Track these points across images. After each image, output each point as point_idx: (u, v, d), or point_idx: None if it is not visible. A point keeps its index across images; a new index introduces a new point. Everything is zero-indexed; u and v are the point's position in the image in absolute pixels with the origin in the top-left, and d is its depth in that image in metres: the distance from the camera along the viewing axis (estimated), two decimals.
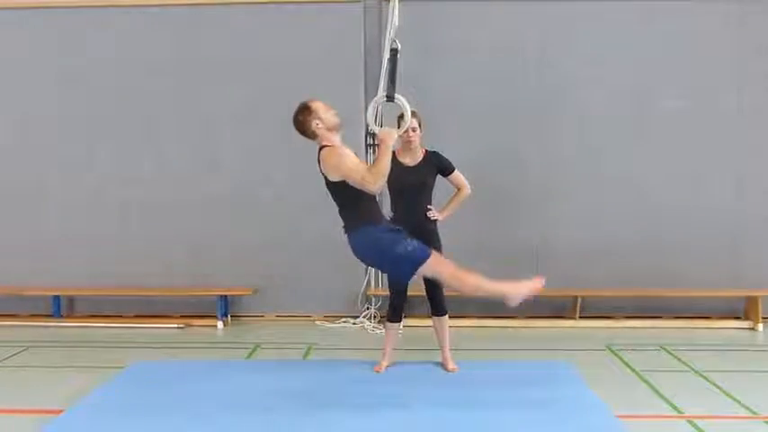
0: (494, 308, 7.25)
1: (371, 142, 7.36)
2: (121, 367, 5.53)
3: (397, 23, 4.47)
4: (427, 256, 4.26)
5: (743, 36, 7.25)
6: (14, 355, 6.17)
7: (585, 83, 7.33)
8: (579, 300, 7.26)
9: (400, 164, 5.27)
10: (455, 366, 5.37)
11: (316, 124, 4.40)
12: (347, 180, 4.31)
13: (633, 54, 7.31)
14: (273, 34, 7.36)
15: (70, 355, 6.25)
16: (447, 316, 5.41)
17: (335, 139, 4.45)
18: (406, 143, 5.28)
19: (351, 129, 7.35)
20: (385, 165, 4.24)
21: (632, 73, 7.32)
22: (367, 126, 7.33)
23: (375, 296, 7.39)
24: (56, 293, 7.44)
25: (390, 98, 4.41)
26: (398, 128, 5.30)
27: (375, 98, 4.52)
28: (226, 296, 7.35)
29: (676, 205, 7.33)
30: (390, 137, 4.34)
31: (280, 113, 7.43)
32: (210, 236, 7.48)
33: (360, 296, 7.41)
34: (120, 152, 7.51)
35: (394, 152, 5.33)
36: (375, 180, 4.21)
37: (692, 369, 5.67)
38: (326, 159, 4.38)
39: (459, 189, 5.46)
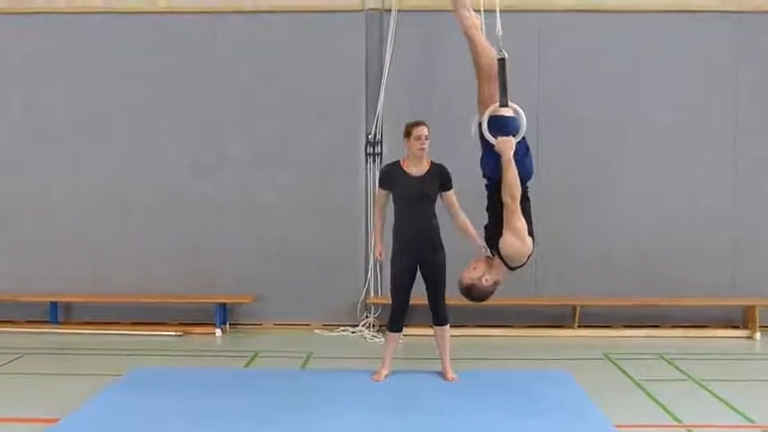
0: (493, 317, 7.28)
1: (371, 151, 7.38)
2: (119, 375, 5.51)
3: (500, 33, 4.41)
4: None
5: (738, 47, 7.30)
6: (10, 361, 6.14)
7: (585, 92, 7.36)
8: (578, 309, 7.26)
9: (406, 173, 5.27)
10: (454, 376, 5.37)
11: (486, 280, 4.40)
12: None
13: (632, 65, 7.34)
14: (275, 42, 7.38)
15: (67, 362, 6.23)
16: (448, 326, 5.40)
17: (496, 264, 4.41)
18: (418, 151, 5.25)
19: (352, 137, 7.42)
20: (513, 178, 4.23)
21: (631, 82, 7.35)
22: (367, 135, 7.38)
23: (374, 305, 7.38)
24: (53, 300, 7.41)
25: (505, 105, 4.38)
26: (407, 137, 5.29)
27: (489, 109, 4.38)
28: (225, 304, 7.34)
29: (674, 215, 7.36)
30: (510, 146, 4.27)
31: (281, 120, 7.51)
32: (210, 243, 7.47)
33: (359, 305, 7.41)
34: (120, 158, 7.50)
35: (399, 162, 5.33)
36: (511, 195, 4.26)
37: (691, 378, 5.68)
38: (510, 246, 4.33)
39: (454, 210, 5.34)
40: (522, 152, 4.39)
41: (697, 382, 5.56)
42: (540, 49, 7.37)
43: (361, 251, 7.44)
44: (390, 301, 5.42)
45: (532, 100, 7.34)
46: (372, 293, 7.39)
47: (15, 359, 6.22)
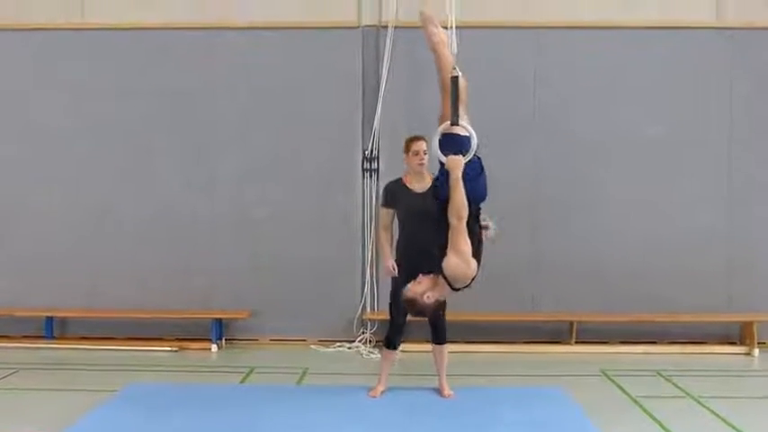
0: (490, 333, 7.26)
1: (368, 167, 7.39)
2: (114, 390, 5.47)
3: (456, 49, 4.43)
4: None
5: (732, 63, 7.34)
6: (5, 377, 6.10)
7: (579, 109, 7.39)
8: (575, 325, 7.25)
9: (409, 190, 5.25)
10: (451, 393, 5.34)
11: (428, 297, 4.38)
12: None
13: (626, 80, 7.38)
14: (271, 58, 7.40)
15: (62, 377, 6.19)
16: (447, 345, 5.37)
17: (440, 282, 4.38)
18: (417, 167, 5.24)
19: (348, 153, 7.43)
20: (460, 197, 4.21)
21: (625, 99, 7.39)
22: (364, 151, 7.40)
23: (371, 320, 7.36)
24: (48, 315, 7.38)
25: (455, 123, 4.38)
26: (406, 153, 5.30)
27: (440, 128, 4.44)
28: (221, 319, 7.31)
29: (669, 230, 7.36)
30: (458, 165, 4.26)
31: (276, 136, 7.53)
32: (205, 258, 7.45)
33: (355, 320, 7.38)
34: (116, 173, 7.50)
35: (401, 179, 5.32)
36: (457, 216, 4.22)
37: (688, 395, 5.66)
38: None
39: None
40: (476, 172, 4.37)
41: (695, 399, 5.54)
42: (536, 66, 7.41)
43: (357, 267, 7.42)
44: (389, 318, 5.38)
45: (528, 115, 7.39)
46: (369, 309, 7.37)
47: (10, 374, 6.18)
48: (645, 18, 7.35)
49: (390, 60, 7.29)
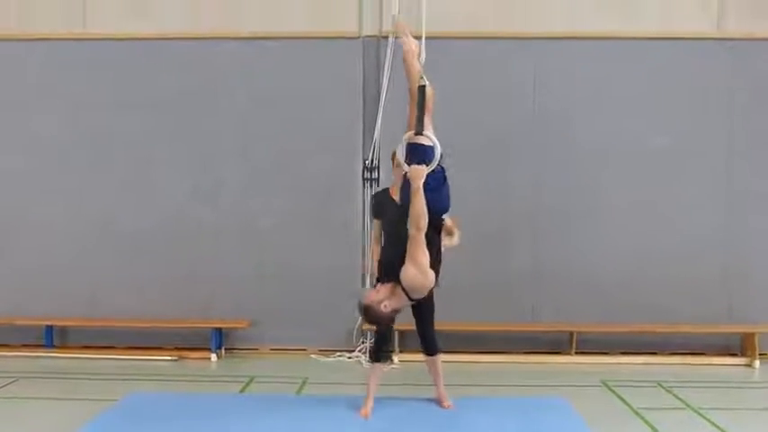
0: (490, 343, 7.25)
1: (368, 176, 7.40)
2: (114, 400, 5.45)
3: (424, 59, 4.46)
4: None
5: (732, 74, 7.37)
6: (5, 386, 6.10)
7: (580, 119, 7.41)
8: (575, 335, 7.24)
9: (393, 201, 5.19)
10: (450, 403, 5.30)
11: (385, 306, 4.35)
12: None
13: (626, 91, 7.40)
14: (272, 68, 7.43)
15: (63, 386, 6.19)
16: (439, 355, 5.30)
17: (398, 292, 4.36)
18: (400, 179, 5.12)
19: (349, 163, 7.45)
20: (420, 207, 4.18)
21: (625, 110, 7.41)
22: (364, 161, 7.41)
23: (371, 331, 7.34)
24: (48, 323, 7.38)
25: (419, 133, 4.38)
26: (394, 165, 5.31)
27: (404, 136, 4.46)
28: (221, 328, 7.31)
29: (668, 241, 7.37)
30: (420, 175, 4.24)
31: (279, 146, 7.55)
32: (205, 268, 7.45)
33: (355, 330, 7.38)
34: (118, 183, 7.52)
35: (388, 189, 5.33)
36: (416, 225, 4.20)
37: (689, 406, 5.65)
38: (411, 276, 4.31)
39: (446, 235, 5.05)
40: (438, 183, 4.34)
41: (695, 411, 5.53)
42: (536, 76, 7.43)
43: (357, 277, 7.42)
44: (374, 331, 5.28)
45: (527, 126, 7.41)
46: None
47: (10, 383, 6.18)
48: (645, 29, 7.38)
49: (391, 71, 7.28)
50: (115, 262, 7.47)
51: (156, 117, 7.48)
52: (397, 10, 7.16)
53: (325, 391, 6.03)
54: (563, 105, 7.40)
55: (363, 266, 7.41)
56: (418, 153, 4.32)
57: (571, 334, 7.25)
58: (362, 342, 7.36)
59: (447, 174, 4.46)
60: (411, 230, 4.20)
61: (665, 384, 6.30)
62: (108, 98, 7.49)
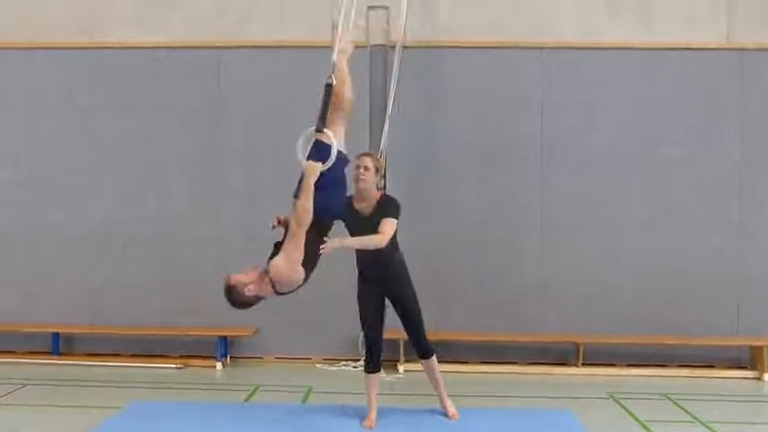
0: (496, 354, 7.21)
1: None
2: (118, 407, 5.46)
3: (335, 59, 4.47)
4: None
5: (741, 83, 7.33)
6: (11, 392, 6.11)
7: (589, 129, 7.38)
8: (582, 346, 7.19)
9: (356, 211, 4.96)
10: (455, 412, 5.26)
11: (249, 290, 4.26)
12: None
13: (636, 101, 7.38)
14: (278, 77, 7.44)
15: (68, 393, 6.19)
16: (435, 358, 5.16)
17: (257, 274, 4.28)
18: (354, 181, 4.91)
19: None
20: (303, 200, 4.11)
21: (635, 119, 7.38)
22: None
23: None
24: (54, 331, 7.39)
25: (319, 130, 4.32)
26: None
27: (305, 131, 4.39)
28: (226, 337, 7.30)
29: (677, 251, 7.31)
30: (313, 171, 4.17)
31: (284, 154, 7.51)
32: (211, 276, 7.42)
33: (360, 339, 7.33)
34: (122, 190, 7.54)
35: (351, 197, 5.00)
36: (298, 221, 4.12)
37: (697, 420, 5.58)
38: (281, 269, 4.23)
39: (376, 232, 4.82)
40: (333, 184, 4.27)
41: (703, 424, 5.47)
42: (544, 85, 7.42)
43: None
44: (364, 339, 5.19)
45: (536, 135, 7.38)
46: None
47: (16, 389, 6.19)
48: (656, 39, 7.35)
49: (398, 80, 7.30)
50: (121, 270, 7.48)
51: (160, 125, 7.50)
52: (403, 18, 7.25)
53: (329, 400, 6.00)
54: (573, 115, 7.38)
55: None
56: (316, 151, 4.27)
57: (578, 345, 7.20)
58: None
59: (347, 179, 4.39)
60: (292, 225, 4.15)
61: (672, 397, 6.24)
62: (113, 106, 7.51)
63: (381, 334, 5.12)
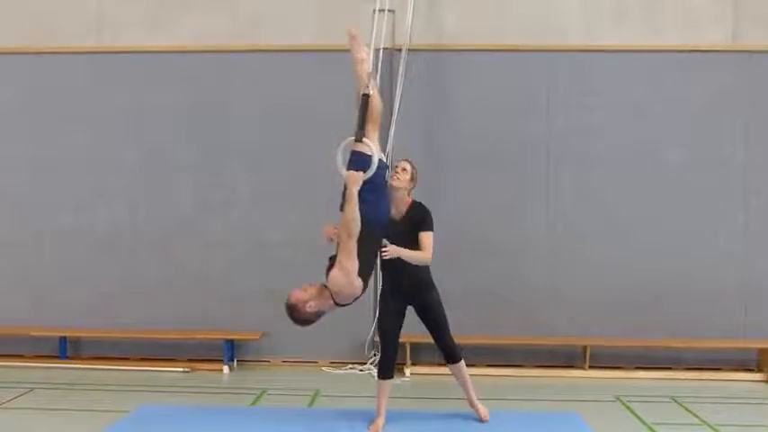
0: (503, 357, 7.21)
1: None
2: (126, 411, 5.48)
3: (370, 69, 4.50)
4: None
5: (749, 86, 7.32)
6: (19, 396, 6.13)
7: (595, 132, 7.38)
8: (588, 349, 7.18)
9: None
10: (486, 413, 5.15)
11: (310, 306, 4.32)
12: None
13: (642, 103, 7.37)
14: (285, 80, 7.46)
15: (75, 397, 6.21)
16: (462, 361, 5.16)
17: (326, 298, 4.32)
18: (390, 182, 4.88)
19: None
20: (349, 210, 4.13)
21: (641, 122, 7.37)
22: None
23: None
24: (62, 335, 7.42)
25: (359, 140, 4.36)
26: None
27: (344, 142, 4.41)
28: (232, 340, 7.31)
29: (684, 254, 7.29)
30: (355, 181, 4.19)
31: (291, 158, 7.56)
32: (218, 279, 7.47)
33: (367, 343, 7.36)
34: (131, 194, 7.56)
35: None
36: (347, 231, 4.15)
37: (705, 422, 5.57)
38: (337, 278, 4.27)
39: (420, 249, 4.87)
40: (378, 192, 4.31)
41: (711, 427, 5.46)
42: (550, 88, 7.42)
43: (369, 289, 7.37)
44: (380, 345, 5.16)
45: (542, 138, 7.38)
46: None
47: (25, 393, 6.21)
48: (661, 42, 7.34)
49: (404, 83, 7.33)
50: (128, 274, 7.51)
51: (168, 128, 7.52)
52: (409, 21, 7.27)
53: (336, 403, 6.02)
54: (579, 118, 7.38)
55: (375, 279, 7.38)
56: (359, 161, 4.29)
57: (585, 348, 7.20)
58: (374, 354, 7.33)
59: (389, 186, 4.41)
60: (342, 236, 4.17)
61: (679, 399, 6.23)
62: (120, 110, 7.54)
63: (398, 344, 5.11)
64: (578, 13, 7.46)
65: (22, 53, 7.59)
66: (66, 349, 7.45)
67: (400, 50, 7.35)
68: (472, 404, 5.22)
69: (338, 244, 4.29)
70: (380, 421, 5.06)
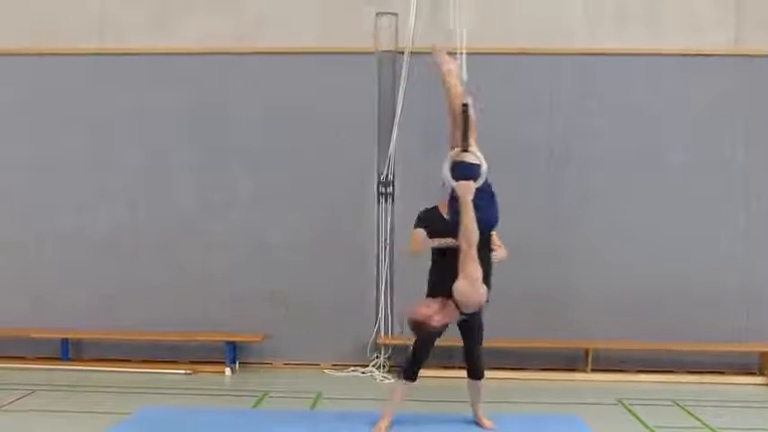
0: (505, 359, 7.20)
1: (383, 191, 7.41)
2: (128, 413, 5.48)
3: (465, 78, 4.52)
4: None
5: (750, 90, 7.32)
6: (21, 398, 6.13)
7: (598, 135, 7.38)
8: (590, 352, 7.18)
9: (442, 217, 5.00)
10: (491, 422, 5.21)
11: (436, 320, 4.37)
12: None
13: (644, 106, 7.37)
14: (287, 83, 7.46)
15: (77, 399, 6.21)
16: (483, 381, 5.15)
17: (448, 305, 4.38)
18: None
19: (363, 178, 7.46)
20: (467, 220, 4.20)
21: (643, 125, 7.37)
22: (379, 176, 7.43)
23: (385, 345, 7.33)
24: (63, 336, 7.42)
25: (466, 150, 4.41)
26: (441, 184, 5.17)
27: (450, 154, 4.45)
28: (234, 342, 7.31)
29: (686, 258, 7.29)
30: (469, 190, 4.27)
31: (293, 160, 7.57)
32: (220, 281, 7.47)
33: (369, 345, 7.36)
34: (132, 195, 7.56)
35: (437, 207, 5.15)
36: (467, 241, 4.22)
37: (706, 426, 5.57)
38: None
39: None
40: (486, 199, 4.39)
41: (713, 431, 5.46)
42: (552, 92, 7.42)
43: (371, 291, 7.42)
44: (414, 347, 5.04)
45: (545, 140, 7.38)
46: (383, 334, 7.34)
47: (26, 395, 6.21)
48: (663, 45, 7.34)
49: (406, 86, 7.33)
50: (129, 275, 7.50)
51: (169, 130, 7.52)
52: (411, 24, 7.28)
53: (338, 406, 6.02)
54: (582, 121, 7.38)
55: (378, 281, 7.41)
56: (464, 170, 4.36)
57: (587, 351, 7.20)
58: (376, 357, 7.33)
59: (494, 189, 4.50)
60: (462, 245, 4.23)
61: (681, 403, 6.22)
62: (123, 113, 7.54)
63: (431, 350, 5.04)
64: (581, 16, 7.47)
65: (24, 54, 7.58)
66: (67, 351, 7.45)
67: (403, 53, 7.35)
68: (478, 417, 5.22)
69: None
70: (385, 422, 5.04)
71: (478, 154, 4.41)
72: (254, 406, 6.08)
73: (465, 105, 4.38)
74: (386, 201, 7.40)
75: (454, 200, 4.41)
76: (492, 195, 4.48)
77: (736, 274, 7.30)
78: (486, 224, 4.34)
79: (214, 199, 7.53)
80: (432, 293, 4.85)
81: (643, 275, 7.31)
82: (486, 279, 4.34)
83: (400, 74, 7.33)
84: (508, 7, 7.44)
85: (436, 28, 7.44)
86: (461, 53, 4.66)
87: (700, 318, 7.22)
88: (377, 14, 7.39)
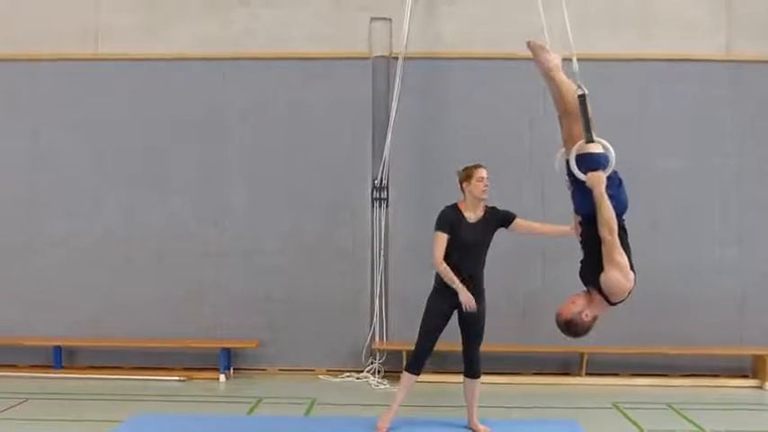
0: (499, 364, 7.20)
1: (377, 196, 7.41)
2: (121, 421, 5.45)
3: (577, 69, 4.54)
4: None
5: (741, 96, 7.36)
6: (14, 406, 6.08)
7: None
8: (585, 356, 7.19)
9: (464, 217, 5.13)
10: (485, 429, 5.22)
11: (585, 315, 4.33)
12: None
13: (635, 112, 7.40)
14: (282, 89, 7.47)
15: (70, 407, 6.17)
16: (479, 380, 5.20)
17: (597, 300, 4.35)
18: (482, 194, 5.16)
19: (357, 183, 7.46)
20: (605, 210, 4.21)
21: (634, 131, 7.38)
22: (373, 181, 7.43)
23: (380, 351, 7.32)
24: (57, 344, 7.37)
25: (590, 141, 4.38)
26: (467, 181, 5.18)
27: (575, 147, 4.41)
28: (229, 349, 7.29)
29: (680, 262, 7.31)
30: (600, 181, 4.26)
31: (287, 166, 7.57)
32: (214, 288, 7.45)
33: (364, 350, 7.34)
34: (124, 203, 7.54)
35: (457, 205, 5.21)
36: (609, 230, 4.24)
37: (701, 428, 5.58)
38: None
39: (534, 227, 5.50)
40: (615, 186, 4.38)
41: None
42: (546, 96, 7.41)
43: (366, 296, 7.41)
44: (417, 339, 5.13)
45: (537, 146, 7.40)
46: (377, 339, 7.33)
47: (19, 404, 6.16)
48: (655, 51, 7.38)
49: (400, 91, 7.35)
50: (123, 282, 7.47)
51: (164, 137, 7.51)
52: (405, 29, 7.29)
53: (333, 411, 6.00)
54: None
55: (372, 287, 7.40)
56: (589, 162, 4.34)
57: (582, 355, 7.20)
58: (371, 363, 7.32)
59: (620, 175, 4.49)
60: (604, 236, 4.22)
61: (676, 406, 6.24)
62: (116, 119, 7.52)
63: (435, 345, 5.13)
64: (573, 21, 7.47)
65: (16, 60, 7.57)
66: (60, 359, 7.40)
67: (397, 58, 7.37)
68: (472, 423, 5.22)
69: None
70: (390, 416, 5.05)
71: (604, 143, 4.37)
72: (249, 412, 6.05)
73: (582, 96, 4.37)
74: (380, 206, 7.40)
75: (577, 192, 4.40)
76: (620, 180, 4.47)
77: (729, 279, 7.33)
78: (620, 209, 4.33)
79: (208, 205, 7.51)
80: (441, 283, 5.08)
81: (638, 279, 7.30)
82: (631, 264, 4.32)
83: (394, 79, 7.35)
84: (500, 13, 7.45)
85: (430, 33, 7.53)
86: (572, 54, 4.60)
87: (694, 322, 7.24)
88: (371, 20, 7.41)
